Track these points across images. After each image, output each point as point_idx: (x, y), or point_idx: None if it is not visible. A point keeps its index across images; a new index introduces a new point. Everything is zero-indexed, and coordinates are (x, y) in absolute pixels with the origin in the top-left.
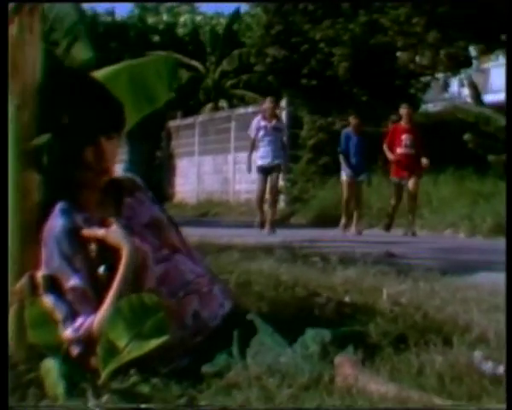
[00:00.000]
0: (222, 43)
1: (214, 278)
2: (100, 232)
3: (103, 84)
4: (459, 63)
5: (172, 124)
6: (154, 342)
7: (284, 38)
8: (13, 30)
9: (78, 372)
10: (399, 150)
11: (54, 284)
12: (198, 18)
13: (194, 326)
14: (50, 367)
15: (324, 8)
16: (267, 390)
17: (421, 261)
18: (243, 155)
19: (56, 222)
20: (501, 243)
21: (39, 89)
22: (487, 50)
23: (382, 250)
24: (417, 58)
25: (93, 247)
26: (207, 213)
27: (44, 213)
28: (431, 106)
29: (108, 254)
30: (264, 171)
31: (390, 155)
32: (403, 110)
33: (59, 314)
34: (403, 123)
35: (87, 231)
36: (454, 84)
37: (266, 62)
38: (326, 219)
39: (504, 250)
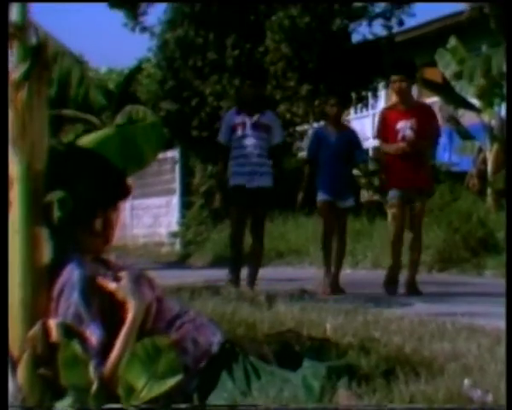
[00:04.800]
0: (117, 98)
1: (197, 312)
2: (112, 286)
3: (103, 156)
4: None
5: None
6: (170, 381)
7: (176, 93)
8: (23, 94)
9: None
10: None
11: (70, 331)
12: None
13: (195, 352)
14: None
15: (211, 64)
16: None
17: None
18: (139, 202)
19: (74, 272)
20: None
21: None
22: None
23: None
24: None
25: (106, 297)
26: None
27: (55, 265)
28: None
29: (118, 304)
30: (243, 194)
31: (392, 147)
32: (393, 84)
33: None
34: (397, 105)
35: (102, 281)
36: None
37: (160, 116)
38: (220, 261)
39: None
